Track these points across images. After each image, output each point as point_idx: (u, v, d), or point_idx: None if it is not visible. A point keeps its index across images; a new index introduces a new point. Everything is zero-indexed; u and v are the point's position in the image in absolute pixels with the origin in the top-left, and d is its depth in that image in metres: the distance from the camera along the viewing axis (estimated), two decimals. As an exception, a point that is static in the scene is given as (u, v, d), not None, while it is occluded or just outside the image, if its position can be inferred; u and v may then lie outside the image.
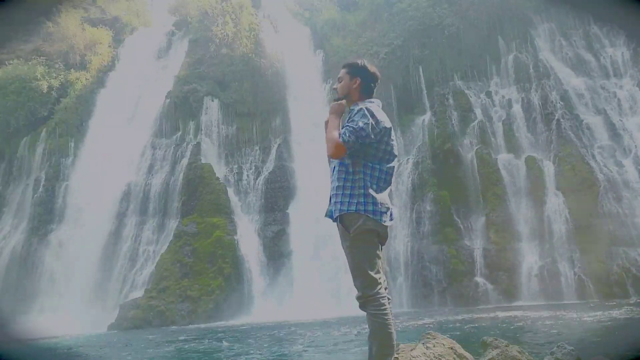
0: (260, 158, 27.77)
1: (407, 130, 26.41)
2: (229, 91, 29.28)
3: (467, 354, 4.14)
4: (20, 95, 30.01)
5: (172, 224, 25.21)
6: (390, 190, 3.63)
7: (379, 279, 3.37)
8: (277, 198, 25.90)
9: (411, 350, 3.83)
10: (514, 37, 26.75)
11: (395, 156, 3.54)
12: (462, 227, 22.72)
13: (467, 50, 27.13)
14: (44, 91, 30.09)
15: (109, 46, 32.26)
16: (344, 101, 3.60)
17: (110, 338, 18.29)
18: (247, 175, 27.13)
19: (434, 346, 4.00)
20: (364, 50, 28.43)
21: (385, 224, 3.41)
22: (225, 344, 13.69)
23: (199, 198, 25.24)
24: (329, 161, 3.63)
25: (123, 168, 26.41)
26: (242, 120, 28.77)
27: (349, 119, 3.46)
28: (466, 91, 26.22)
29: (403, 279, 22.14)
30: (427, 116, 26.15)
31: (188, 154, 26.95)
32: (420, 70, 27.41)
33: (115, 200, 25.87)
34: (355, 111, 3.47)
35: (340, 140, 3.30)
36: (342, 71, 3.70)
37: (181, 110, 28.89)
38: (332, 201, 3.52)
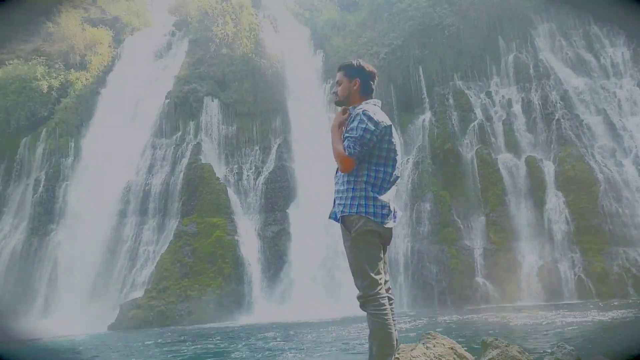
0: (260, 158, 27.78)
1: (407, 130, 26.42)
2: (229, 91, 29.28)
3: (467, 354, 4.14)
4: (20, 95, 30.01)
5: (172, 224, 25.21)
6: (397, 189, 3.64)
7: (380, 279, 3.38)
8: (277, 198, 25.90)
9: (411, 350, 3.83)
10: (514, 37, 26.75)
11: (397, 154, 3.54)
12: (462, 227, 22.72)
13: (467, 50, 27.13)
14: (44, 91, 30.09)
15: (109, 46, 32.27)
16: (348, 112, 3.60)
17: (110, 338, 18.28)
18: (247, 175, 27.13)
19: (434, 346, 4.00)
20: (364, 50, 28.45)
21: (386, 226, 3.41)
22: (224, 344, 13.70)
23: (199, 198, 25.25)
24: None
25: (123, 168, 26.41)
26: (242, 120, 28.77)
27: (348, 126, 3.46)
28: (466, 91, 26.22)
29: (403, 279, 22.14)
30: (427, 116, 26.15)
31: (188, 154, 26.95)
32: (420, 70, 27.42)
33: (115, 200, 25.87)
34: (353, 117, 3.47)
35: (346, 154, 3.34)
36: (339, 74, 3.69)
37: (181, 110, 28.89)
38: (335, 203, 3.54)
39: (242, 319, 21.27)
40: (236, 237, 24.26)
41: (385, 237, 3.47)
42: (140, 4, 37.21)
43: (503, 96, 25.81)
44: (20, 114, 30.01)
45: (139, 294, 22.68)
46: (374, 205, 3.37)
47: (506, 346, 4.62)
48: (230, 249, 23.81)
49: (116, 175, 25.92)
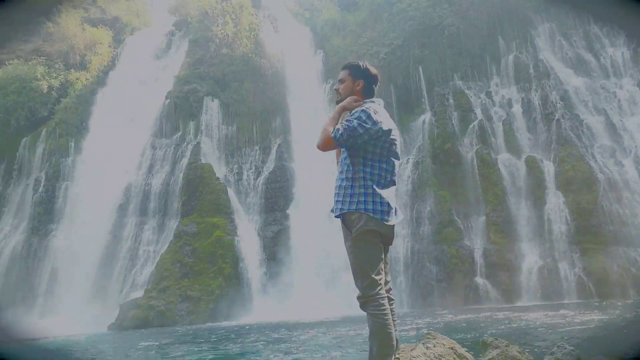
0: (260, 158, 27.78)
1: (407, 130, 26.41)
2: (229, 91, 29.29)
3: (467, 354, 4.14)
4: (20, 95, 30.00)
5: (172, 224, 25.21)
6: (397, 189, 3.62)
7: (380, 279, 3.36)
8: (277, 198, 25.90)
9: (411, 350, 3.82)
10: (514, 37, 26.76)
11: (397, 154, 3.53)
12: (462, 227, 22.72)
13: (467, 50, 27.14)
14: (44, 91, 30.09)
15: (109, 46, 32.27)
16: (359, 102, 3.60)
17: (110, 338, 18.28)
18: (247, 175, 27.13)
19: (434, 346, 4.00)
20: (364, 50, 28.45)
21: (387, 223, 3.40)
22: (224, 344, 13.70)
23: (199, 198, 25.25)
24: (337, 161, 3.65)
25: (123, 168, 26.42)
26: (242, 120, 28.77)
27: (348, 118, 3.47)
28: (466, 91, 26.23)
29: (403, 279, 22.14)
30: (427, 116, 26.16)
31: (188, 154, 26.95)
32: (421, 70, 27.42)
33: (115, 200, 25.88)
34: (356, 110, 3.48)
35: (332, 134, 3.33)
36: (344, 72, 3.70)
37: (181, 110, 28.89)
38: (335, 199, 3.53)
39: (242, 319, 21.27)
40: (236, 237, 24.26)
41: (386, 237, 3.45)
42: (140, 4, 37.21)
43: (503, 96, 25.82)
44: (20, 114, 30.01)
45: (139, 294, 22.68)
46: (373, 202, 3.36)
47: (506, 346, 4.62)
48: (230, 249, 23.80)
49: (116, 175, 25.92)
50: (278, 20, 31.92)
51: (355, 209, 3.35)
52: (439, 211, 23.04)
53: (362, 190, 3.37)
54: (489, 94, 26.17)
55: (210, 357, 11.58)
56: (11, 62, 30.48)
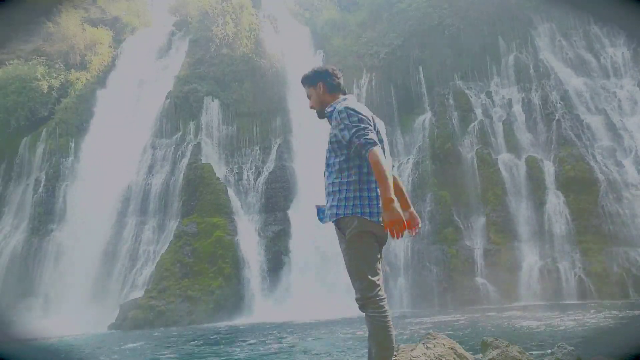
0: (260, 158, 27.77)
1: (407, 130, 26.42)
2: (229, 91, 29.28)
3: (467, 354, 4.14)
4: (21, 95, 29.98)
5: (172, 224, 25.20)
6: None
7: (378, 280, 3.33)
8: (277, 198, 25.90)
9: (411, 350, 3.82)
10: (514, 37, 26.75)
11: (385, 147, 3.46)
12: (462, 227, 22.72)
13: (467, 50, 27.13)
14: (44, 91, 30.07)
15: (109, 46, 32.25)
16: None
17: (110, 338, 18.28)
18: (248, 175, 27.13)
19: (434, 346, 4.00)
20: (364, 50, 28.46)
21: (381, 223, 3.36)
22: (224, 344, 13.69)
23: (199, 198, 25.25)
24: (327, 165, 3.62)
25: (123, 168, 26.39)
26: (242, 120, 28.76)
27: (336, 128, 3.40)
28: (466, 91, 26.22)
29: (403, 279, 22.13)
30: (428, 116, 26.15)
31: (188, 154, 26.95)
32: (421, 70, 27.41)
33: (115, 200, 25.86)
34: (337, 116, 3.40)
35: (367, 149, 3.20)
36: (305, 88, 3.69)
37: (181, 110, 28.89)
38: (327, 205, 3.51)
39: (242, 319, 21.28)
40: (236, 237, 24.26)
41: (380, 237, 3.42)
42: (140, 4, 37.20)
43: (503, 96, 25.81)
44: (20, 114, 29.99)
45: (139, 294, 22.67)
46: (368, 205, 3.32)
47: (506, 346, 4.62)
48: (230, 249, 23.80)
49: (116, 175, 25.91)
50: (278, 20, 31.91)
51: (351, 213, 3.31)
52: (439, 211, 23.03)
53: (358, 194, 3.33)
54: (489, 94, 26.16)
55: (211, 357, 11.59)
56: (11, 62, 30.46)
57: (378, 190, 3.31)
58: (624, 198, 20.83)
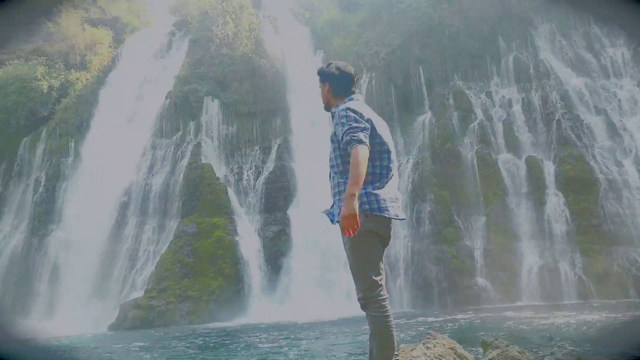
0: (260, 158, 27.77)
1: (407, 130, 26.42)
2: (229, 91, 29.28)
3: (467, 354, 4.14)
4: (21, 95, 29.97)
5: (173, 224, 25.20)
6: (397, 183, 3.57)
7: (380, 280, 3.35)
8: (277, 198, 25.90)
9: (411, 350, 3.83)
10: (514, 37, 26.75)
11: (389, 147, 3.50)
12: (462, 227, 22.72)
13: (467, 50, 27.13)
14: (44, 91, 30.06)
15: (110, 46, 32.24)
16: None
17: (110, 338, 18.29)
18: (248, 176, 27.13)
19: (434, 346, 4.00)
20: (364, 50, 28.45)
21: (387, 215, 3.35)
22: (224, 344, 13.69)
23: (199, 198, 25.25)
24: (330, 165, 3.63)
25: (123, 168, 26.39)
26: (242, 120, 28.76)
27: (333, 125, 3.47)
28: (466, 91, 26.22)
29: (403, 279, 22.14)
30: (428, 116, 26.15)
31: (188, 154, 26.94)
32: (421, 70, 27.40)
33: (115, 200, 25.86)
34: (335, 115, 3.47)
35: (353, 146, 3.21)
36: (318, 79, 3.74)
37: (181, 110, 28.88)
38: (335, 205, 3.51)
39: (242, 319, 21.27)
40: (236, 237, 24.26)
41: (384, 237, 3.44)
42: (140, 4, 37.19)
43: (503, 96, 25.82)
44: (20, 114, 29.98)
45: (139, 294, 22.67)
46: (369, 202, 3.33)
47: (506, 346, 4.63)
48: (231, 249, 23.80)
49: (116, 175, 25.91)
50: (278, 21, 31.90)
51: (360, 210, 3.30)
52: (439, 211, 23.03)
53: (363, 191, 3.32)
54: (489, 94, 26.16)
55: (210, 357, 11.59)
56: (11, 62, 30.44)
57: (385, 184, 3.36)
58: (624, 198, 20.84)
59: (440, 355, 3.87)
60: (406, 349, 3.85)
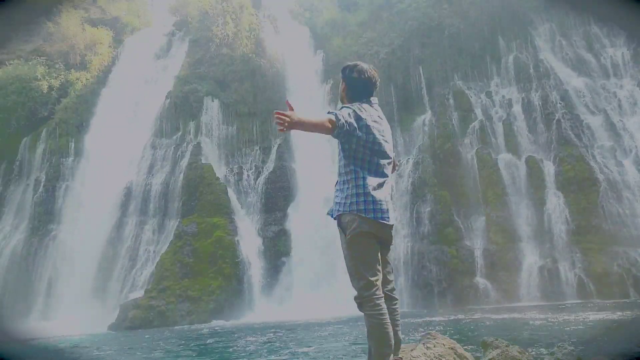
0: (260, 158, 27.77)
1: (407, 130, 26.42)
2: (229, 91, 29.28)
3: (467, 354, 4.14)
4: (21, 95, 29.99)
5: (173, 224, 25.21)
6: (395, 187, 3.65)
7: (376, 281, 3.37)
8: (277, 198, 25.90)
9: (411, 350, 3.83)
10: (514, 37, 26.75)
11: (385, 152, 3.53)
12: (462, 227, 22.71)
13: (467, 50, 27.13)
14: (44, 91, 30.08)
15: (109, 46, 32.25)
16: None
17: (110, 338, 18.29)
18: (248, 176, 27.13)
19: (434, 346, 4.00)
20: (364, 50, 28.44)
21: (383, 221, 3.40)
22: (224, 344, 13.69)
23: (199, 198, 25.25)
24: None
25: (123, 168, 26.41)
26: (242, 120, 28.76)
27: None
28: (466, 91, 26.22)
29: (403, 279, 22.13)
30: (428, 116, 26.15)
31: (188, 154, 26.94)
32: (421, 70, 27.41)
33: (115, 200, 25.87)
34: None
35: (328, 116, 3.34)
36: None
37: (181, 110, 28.89)
38: (333, 202, 3.57)
39: (242, 319, 21.28)
40: (236, 237, 24.26)
41: (382, 237, 3.46)
42: (141, 4, 37.20)
43: (503, 96, 25.82)
44: (21, 114, 30.00)
45: (139, 294, 22.68)
46: (364, 202, 3.37)
47: (506, 346, 4.63)
48: (231, 249, 23.80)
49: (116, 175, 25.92)
50: (278, 21, 31.92)
51: (349, 210, 3.38)
52: (439, 211, 23.03)
53: (355, 191, 3.40)
54: (489, 94, 26.16)
55: (211, 357, 11.59)
56: (11, 62, 30.46)
57: (373, 191, 3.40)
58: (624, 198, 20.84)
59: (440, 355, 3.87)
60: (406, 349, 3.85)
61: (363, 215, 3.35)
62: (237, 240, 24.18)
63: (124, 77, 30.12)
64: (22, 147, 29.53)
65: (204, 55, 30.06)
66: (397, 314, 3.58)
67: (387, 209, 3.44)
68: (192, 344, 14.30)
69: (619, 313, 14.00)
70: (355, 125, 3.40)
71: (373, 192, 3.40)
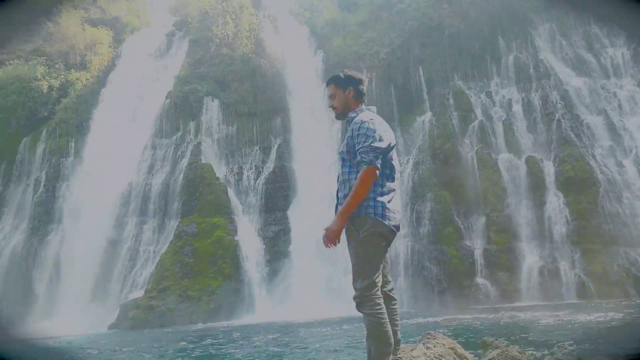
0: (260, 158, 27.77)
1: (407, 130, 26.42)
2: (229, 91, 29.28)
3: (467, 354, 4.14)
4: (21, 95, 29.99)
5: (173, 224, 25.21)
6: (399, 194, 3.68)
7: (378, 282, 3.41)
8: (277, 198, 25.90)
9: (411, 350, 3.82)
10: (514, 37, 26.75)
11: (394, 160, 3.61)
12: (462, 227, 22.71)
13: (467, 50, 27.12)
14: (44, 91, 30.07)
15: (109, 46, 32.25)
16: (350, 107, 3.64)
17: (110, 338, 18.29)
18: (248, 176, 27.13)
19: (434, 346, 3.99)
20: (364, 50, 28.45)
21: (394, 227, 3.48)
22: (224, 344, 13.69)
23: (199, 198, 25.25)
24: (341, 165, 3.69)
25: (123, 168, 26.40)
26: (242, 120, 28.76)
27: (354, 133, 3.50)
28: (466, 91, 26.22)
29: (403, 279, 22.13)
30: (428, 116, 26.15)
31: (188, 154, 26.95)
32: (421, 70, 27.40)
33: (115, 200, 25.87)
34: (355, 123, 3.53)
35: (367, 166, 3.34)
36: (331, 87, 3.78)
37: (181, 110, 28.89)
38: (338, 209, 3.56)
39: (242, 319, 21.28)
40: (236, 237, 24.26)
41: (388, 242, 3.53)
42: (141, 4, 37.20)
43: (503, 96, 25.81)
44: (21, 114, 29.99)
45: (139, 294, 22.68)
46: (382, 207, 3.43)
47: (506, 346, 4.63)
48: (231, 249, 23.80)
49: (116, 175, 25.92)
50: (278, 20, 31.91)
51: (365, 213, 3.40)
52: (439, 211, 23.03)
53: (372, 195, 3.43)
54: (489, 94, 26.16)
55: (210, 357, 11.59)
56: (11, 62, 30.46)
57: (386, 195, 3.46)
58: (624, 198, 20.84)
59: (440, 355, 3.87)
60: (406, 349, 3.85)
61: (380, 220, 3.40)
62: (237, 240, 24.19)
63: (124, 77, 30.12)
64: (22, 147, 29.53)
65: (204, 55, 30.06)
66: (397, 314, 3.61)
67: (400, 219, 3.55)
68: (192, 344, 14.30)
69: (619, 313, 13.99)
70: (385, 148, 3.46)
71: (388, 200, 3.47)
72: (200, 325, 20.43)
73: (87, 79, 30.84)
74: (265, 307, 22.29)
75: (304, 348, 11.87)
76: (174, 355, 12.69)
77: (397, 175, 3.61)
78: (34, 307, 23.78)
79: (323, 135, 25.94)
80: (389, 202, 3.46)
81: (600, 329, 11.60)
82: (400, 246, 22.56)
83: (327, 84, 3.81)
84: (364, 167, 3.34)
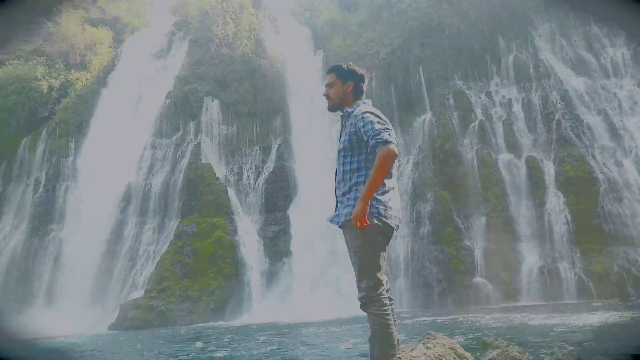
0: (260, 158, 27.77)
1: (407, 130, 26.41)
2: (229, 91, 29.28)
3: (467, 354, 4.13)
4: (21, 95, 29.99)
5: (173, 224, 25.21)
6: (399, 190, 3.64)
7: (383, 280, 3.39)
8: (277, 198, 25.90)
9: (411, 350, 3.82)
10: (514, 37, 26.74)
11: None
12: (462, 227, 22.71)
13: (467, 50, 27.12)
14: (44, 91, 30.07)
15: (110, 46, 32.26)
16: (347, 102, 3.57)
17: (110, 338, 18.28)
18: (248, 176, 27.13)
19: (434, 346, 3.99)
20: (364, 50, 28.44)
21: (394, 226, 3.45)
22: (224, 344, 13.69)
23: (199, 198, 25.25)
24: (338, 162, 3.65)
25: (123, 168, 26.40)
26: (242, 120, 28.76)
27: (355, 126, 3.46)
28: (466, 91, 26.21)
29: (403, 279, 22.14)
30: (428, 116, 26.14)
31: (188, 154, 26.95)
32: (421, 70, 27.40)
33: (115, 200, 25.87)
34: (355, 116, 3.48)
35: (384, 146, 3.23)
36: (331, 76, 3.70)
37: (181, 110, 28.89)
38: (338, 207, 3.53)
39: (242, 319, 21.28)
40: (236, 237, 24.27)
41: (389, 238, 3.51)
42: (141, 4, 37.20)
43: (503, 96, 25.81)
44: (21, 114, 29.99)
45: (139, 294, 22.68)
46: (384, 207, 3.39)
47: (506, 346, 4.62)
48: (231, 249, 23.81)
49: (116, 175, 25.92)
50: (278, 21, 31.91)
51: (369, 213, 3.34)
52: (439, 211, 23.02)
53: (373, 195, 3.38)
54: (489, 94, 26.16)
55: (210, 357, 11.59)
56: (11, 62, 30.46)
57: (387, 194, 3.41)
58: (624, 198, 20.84)
59: (440, 355, 3.87)
60: (406, 349, 3.85)
61: (383, 219, 3.36)
62: (237, 240, 24.19)
63: (124, 77, 30.12)
64: (22, 147, 29.53)
65: (204, 55, 30.06)
66: (394, 314, 3.59)
67: (399, 218, 3.51)
68: (192, 344, 14.30)
69: (619, 313, 14.00)
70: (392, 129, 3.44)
71: (391, 198, 3.44)
72: (200, 325, 20.42)
73: (87, 79, 30.84)
74: (265, 307, 22.28)
75: (304, 349, 11.87)
76: (173, 355, 12.68)
77: (394, 172, 3.56)
78: (34, 306, 23.77)
79: (323, 135, 25.93)
80: (390, 200, 3.43)
81: (600, 329, 11.60)
82: (400, 246, 22.56)
83: (328, 72, 3.74)
84: (381, 148, 3.23)
